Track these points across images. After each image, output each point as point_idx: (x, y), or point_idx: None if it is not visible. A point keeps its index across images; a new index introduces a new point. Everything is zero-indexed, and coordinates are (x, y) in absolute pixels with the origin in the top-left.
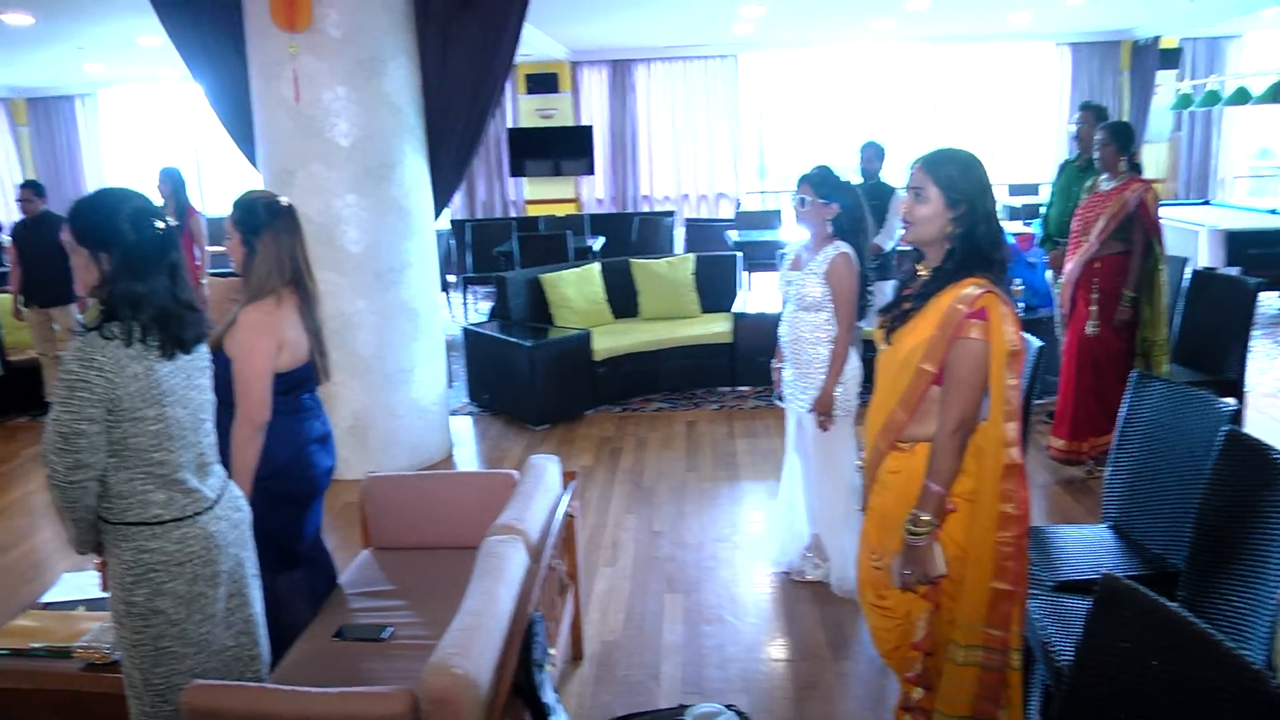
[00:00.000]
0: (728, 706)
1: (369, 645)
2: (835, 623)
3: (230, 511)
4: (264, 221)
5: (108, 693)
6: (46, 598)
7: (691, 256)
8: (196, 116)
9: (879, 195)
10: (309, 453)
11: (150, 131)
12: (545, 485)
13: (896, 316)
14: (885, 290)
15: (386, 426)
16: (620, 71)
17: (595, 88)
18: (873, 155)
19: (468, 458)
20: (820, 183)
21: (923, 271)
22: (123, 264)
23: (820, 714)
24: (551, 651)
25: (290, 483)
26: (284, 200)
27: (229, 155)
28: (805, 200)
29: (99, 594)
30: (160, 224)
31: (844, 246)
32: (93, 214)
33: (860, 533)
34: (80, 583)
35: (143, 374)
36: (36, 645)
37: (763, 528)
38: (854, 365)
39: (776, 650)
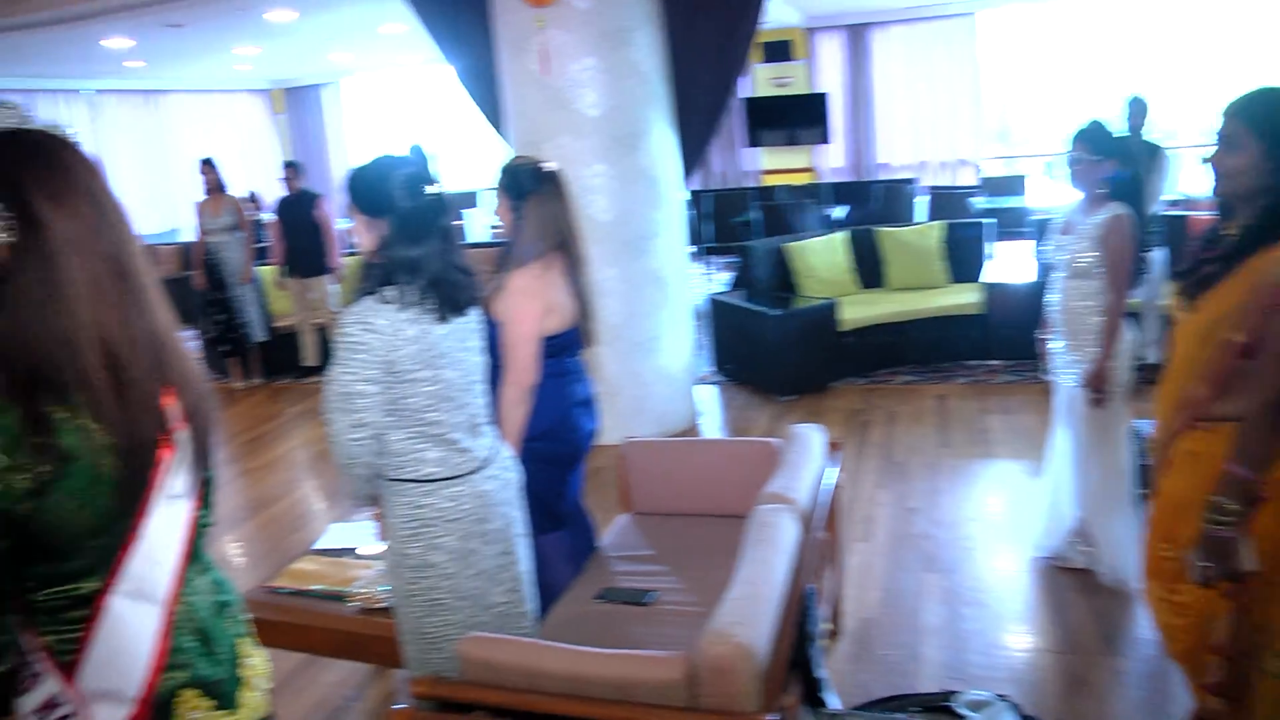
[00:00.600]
0: (999, 697)
1: (632, 609)
2: (1105, 614)
3: (501, 471)
4: (530, 187)
5: (379, 635)
6: (319, 545)
7: (939, 224)
8: (433, 100)
9: (1147, 154)
10: (573, 415)
11: (389, 115)
12: (811, 455)
13: (1198, 281)
14: (1154, 260)
15: (634, 394)
16: (856, 36)
17: (830, 54)
18: (1138, 111)
19: (713, 427)
20: (1095, 139)
21: (1230, 231)
22: (398, 229)
23: (1093, 713)
24: (824, 625)
25: (555, 444)
26: (550, 166)
27: (464, 136)
28: (1079, 159)
29: (368, 543)
30: (433, 189)
31: (1120, 208)
32: (368, 181)
33: (1136, 519)
34: (348, 532)
35: (418, 337)
36: (315, 587)
37: (1024, 509)
38: (1129, 337)
39: (1042, 640)
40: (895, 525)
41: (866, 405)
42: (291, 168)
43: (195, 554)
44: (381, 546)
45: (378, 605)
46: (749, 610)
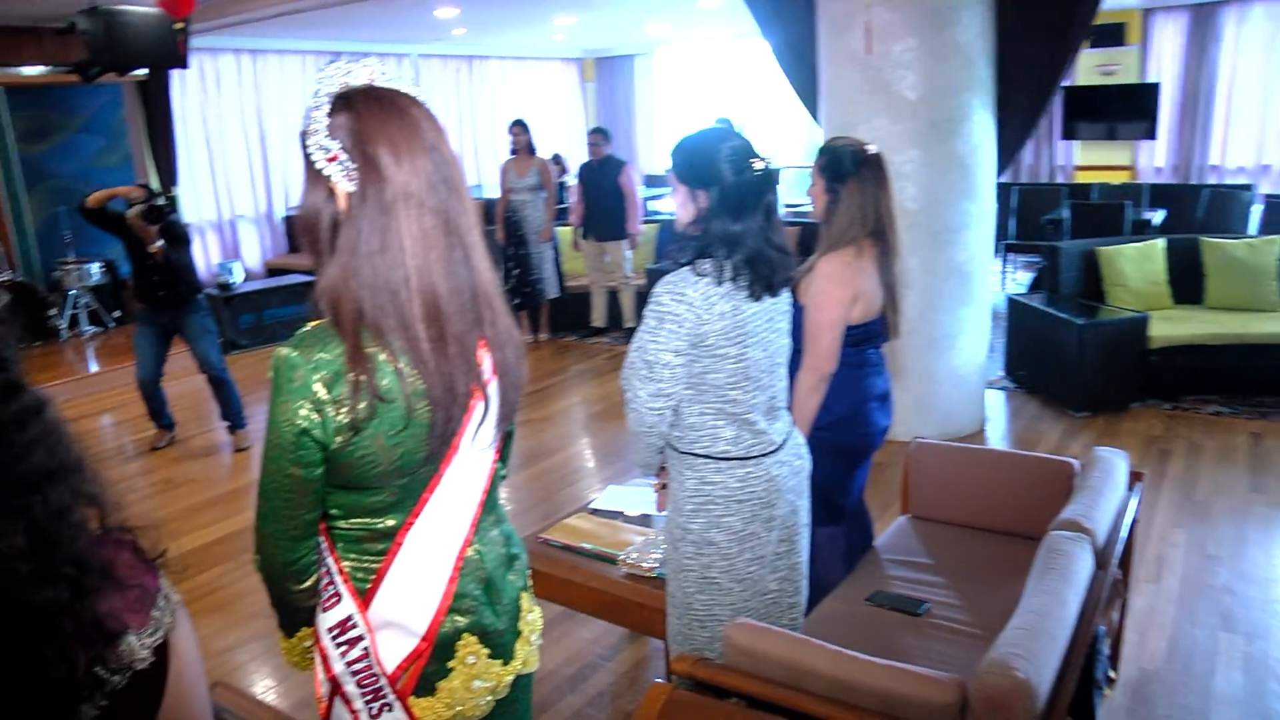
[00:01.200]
0: None
1: (903, 618)
2: None
3: (792, 458)
4: (849, 170)
5: (642, 602)
6: (594, 504)
7: (1278, 239)
8: (741, 74)
9: None
10: (868, 409)
11: (697, 87)
12: (1114, 483)
13: None
14: None
15: (921, 391)
16: (1203, 18)
17: (1168, 38)
18: None
19: (999, 435)
20: None
21: None
22: (720, 202)
23: None
24: (1112, 675)
25: (846, 436)
26: (872, 148)
27: (770, 113)
28: None
29: (643, 510)
30: (758, 164)
31: None
32: (694, 152)
33: None
34: (623, 495)
35: (729, 313)
36: (586, 545)
37: None
38: None
39: None
40: (1190, 571)
41: (1168, 433)
42: (598, 134)
43: (490, 504)
44: (651, 514)
45: (645, 573)
46: (1033, 645)
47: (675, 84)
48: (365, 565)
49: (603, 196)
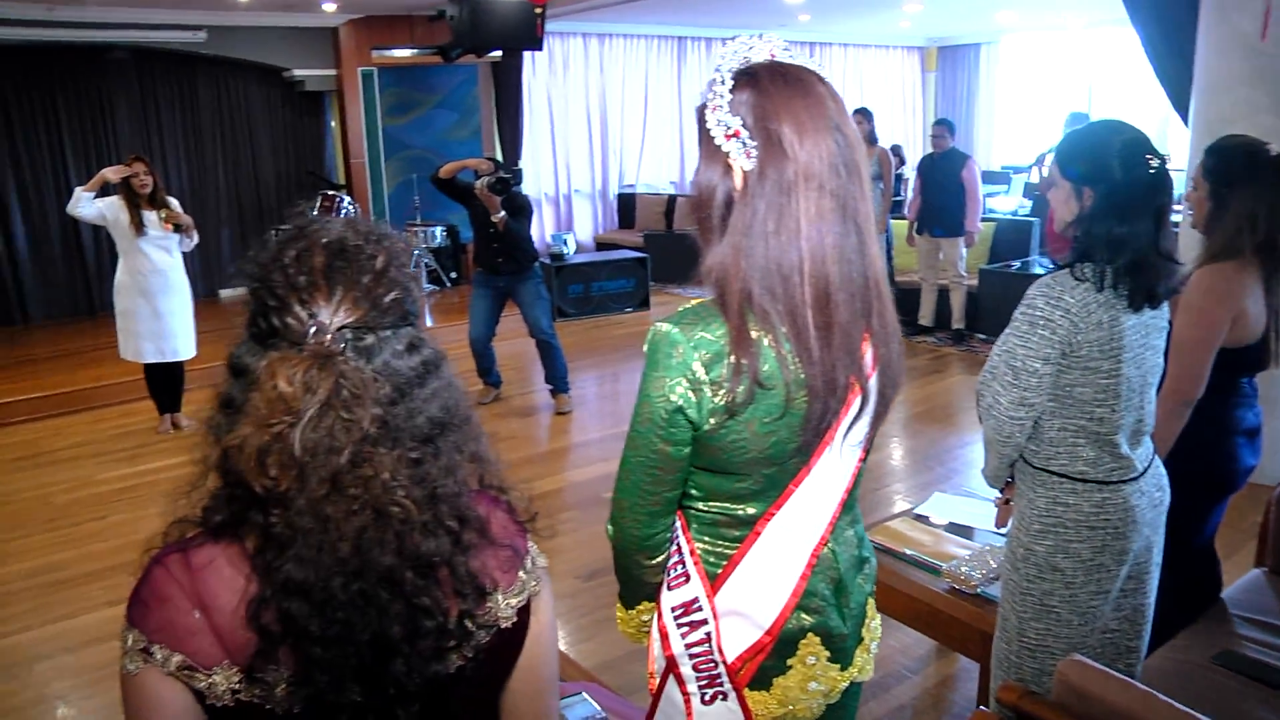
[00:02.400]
0: None
1: (1260, 688)
2: None
3: (1153, 488)
4: (1242, 173)
5: (964, 620)
6: (920, 510)
7: None
8: (1093, 67)
9: None
10: (1234, 444)
11: (1045, 80)
12: None
13: None
14: None
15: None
16: None
17: None
18: None
19: None
20: None
21: None
22: (1106, 202)
23: None
24: None
25: (1205, 471)
26: (1274, 148)
27: (1125, 109)
28: None
29: (971, 521)
30: (1154, 161)
31: None
32: (1082, 147)
33: None
34: (951, 504)
35: (1106, 323)
36: (909, 552)
37: None
38: None
39: None
40: None
41: None
42: (942, 125)
43: (849, 503)
44: (978, 528)
45: (970, 589)
46: None
47: (1021, 75)
48: (719, 550)
49: (942, 191)
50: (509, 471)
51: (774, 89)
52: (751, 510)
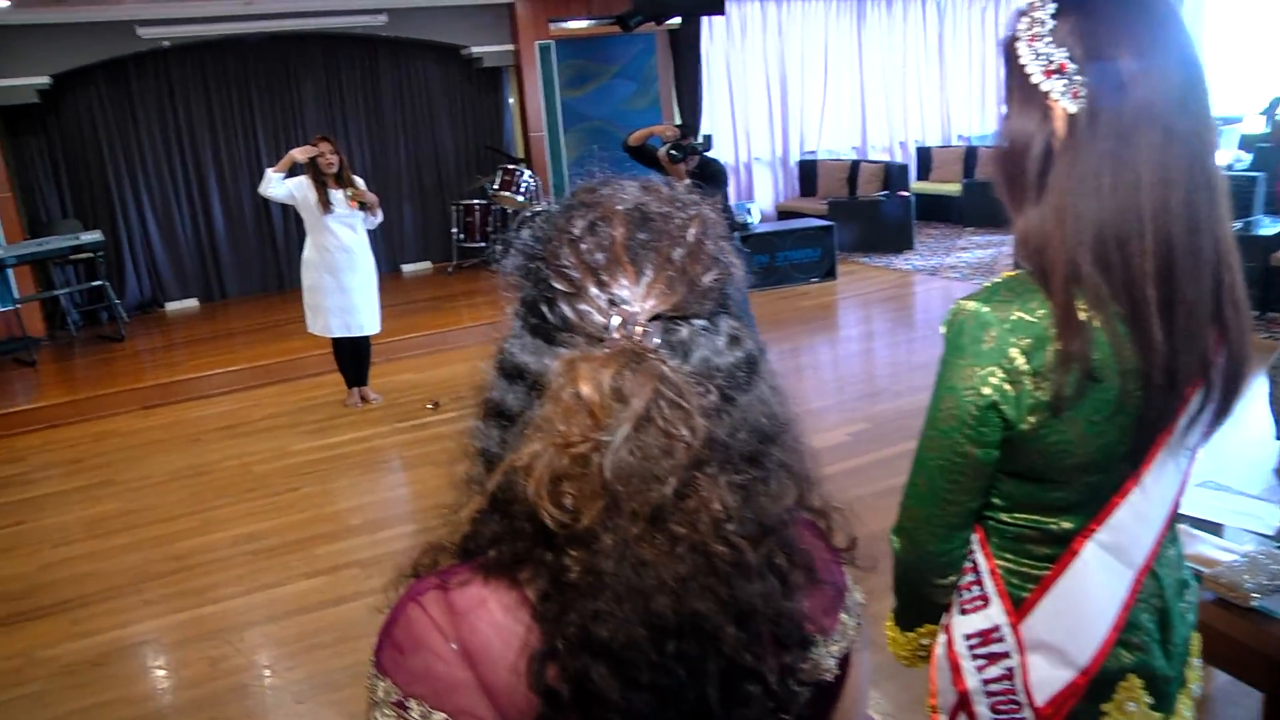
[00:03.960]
0: None
1: None
2: None
3: None
4: None
5: (1233, 635)
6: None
7: None
8: None
9: None
10: None
11: (1266, 18)
12: None
13: None
14: None
15: None
16: None
17: None
18: None
19: None
20: None
21: None
22: None
23: None
24: None
25: None
26: None
27: None
28: None
29: (1242, 523)
30: None
31: None
32: None
33: None
34: (1219, 502)
35: None
36: None
37: None
38: None
39: None
40: None
41: None
42: None
43: (1174, 517)
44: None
45: (1241, 602)
46: None
47: (1235, 15)
48: (1025, 570)
49: None
50: None
51: (1107, 12)
52: (1067, 525)
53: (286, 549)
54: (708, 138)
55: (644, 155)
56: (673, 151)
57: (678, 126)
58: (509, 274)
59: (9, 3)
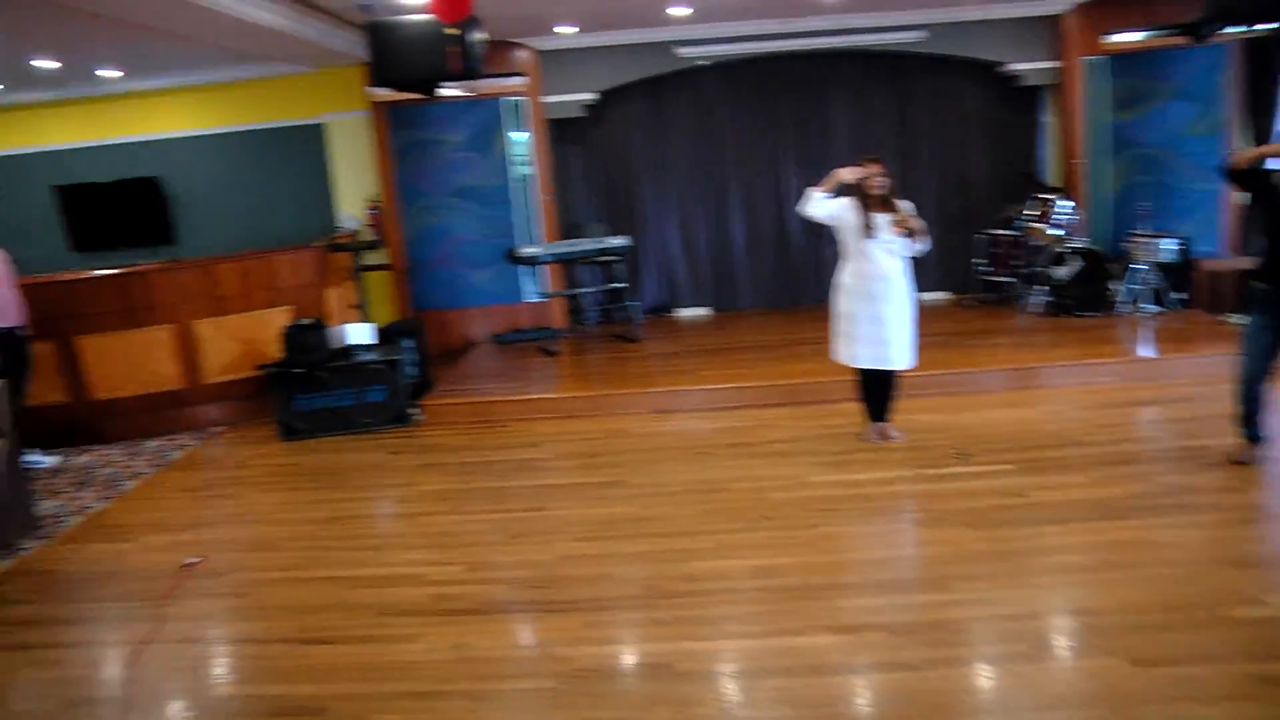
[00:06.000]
0: None
1: None
2: None
3: None
4: None
5: None
6: None
7: None
8: None
9: None
10: None
11: None
12: None
13: None
14: None
15: None
16: None
17: None
18: None
19: None
20: None
21: None
22: None
23: None
24: None
25: None
26: None
27: None
28: None
29: None
30: None
31: None
32: None
33: None
34: None
35: None
36: None
37: None
38: None
39: None
40: None
41: None
42: None
43: None
44: None
45: None
46: None
47: None
48: None
49: None
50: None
51: None
52: None
53: (806, 593)
54: None
55: (1252, 181)
56: None
57: None
58: None
59: (575, 29)
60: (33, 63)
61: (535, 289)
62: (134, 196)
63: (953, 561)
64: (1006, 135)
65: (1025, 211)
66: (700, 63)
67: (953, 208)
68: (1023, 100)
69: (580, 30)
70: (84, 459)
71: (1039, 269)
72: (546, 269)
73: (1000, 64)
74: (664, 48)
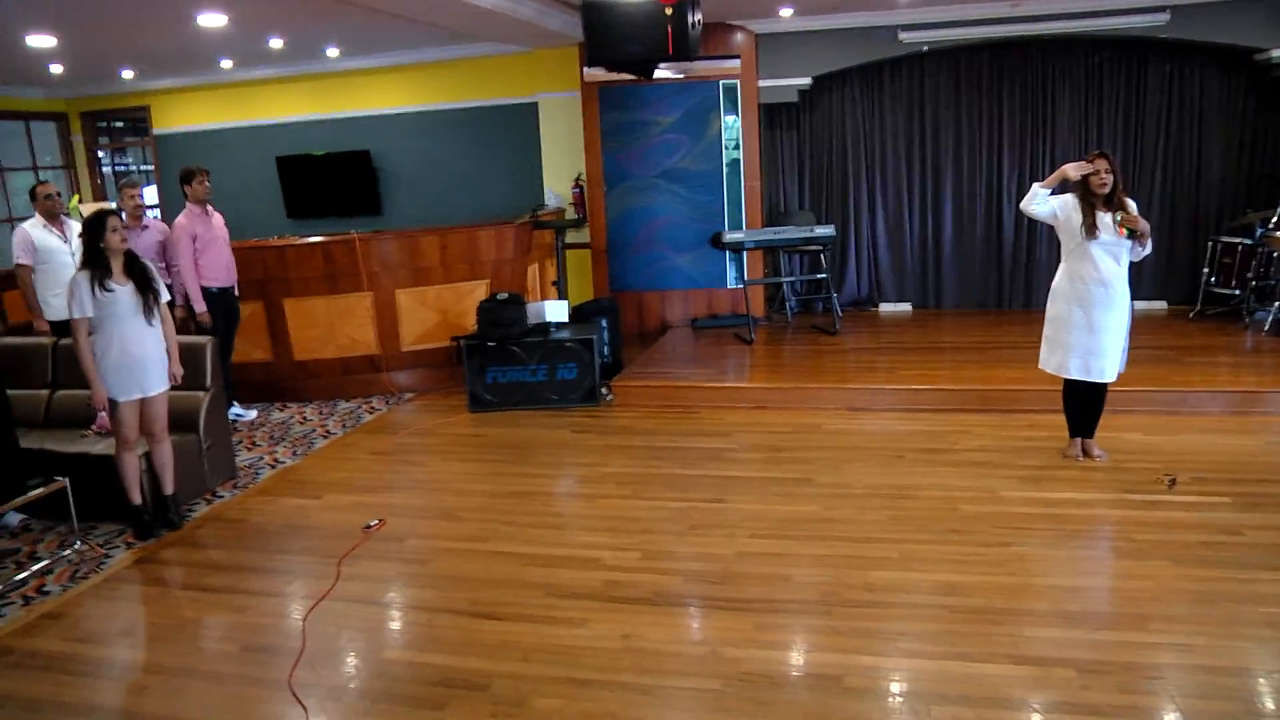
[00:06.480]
0: None
1: None
2: None
3: None
4: None
5: None
6: None
7: None
8: None
9: None
10: None
11: None
12: None
13: None
14: None
15: None
16: None
17: None
18: None
19: None
20: None
21: None
22: None
23: None
24: None
25: None
26: None
27: None
28: None
29: None
30: None
31: None
32: None
33: None
34: None
35: None
36: None
37: None
38: None
39: None
40: None
41: None
42: None
43: None
44: None
45: None
46: None
47: None
48: None
49: None
50: None
51: None
52: None
53: (990, 617)
54: None
55: None
56: None
57: None
58: None
59: (791, 10)
60: (270, 43)
61: (736, 275)
62: (346, 168)
63: (1152, 599)
64: (1254, 132)
65: (1270, 219)
66: (922, 49)
67: (1181, 210)
68: (1277, 94)
69: (796, 13)
70: (281, 415)
71: (1275, 283)
72: (745, 255)
73: (1259, 50)
74: (885, 32)
